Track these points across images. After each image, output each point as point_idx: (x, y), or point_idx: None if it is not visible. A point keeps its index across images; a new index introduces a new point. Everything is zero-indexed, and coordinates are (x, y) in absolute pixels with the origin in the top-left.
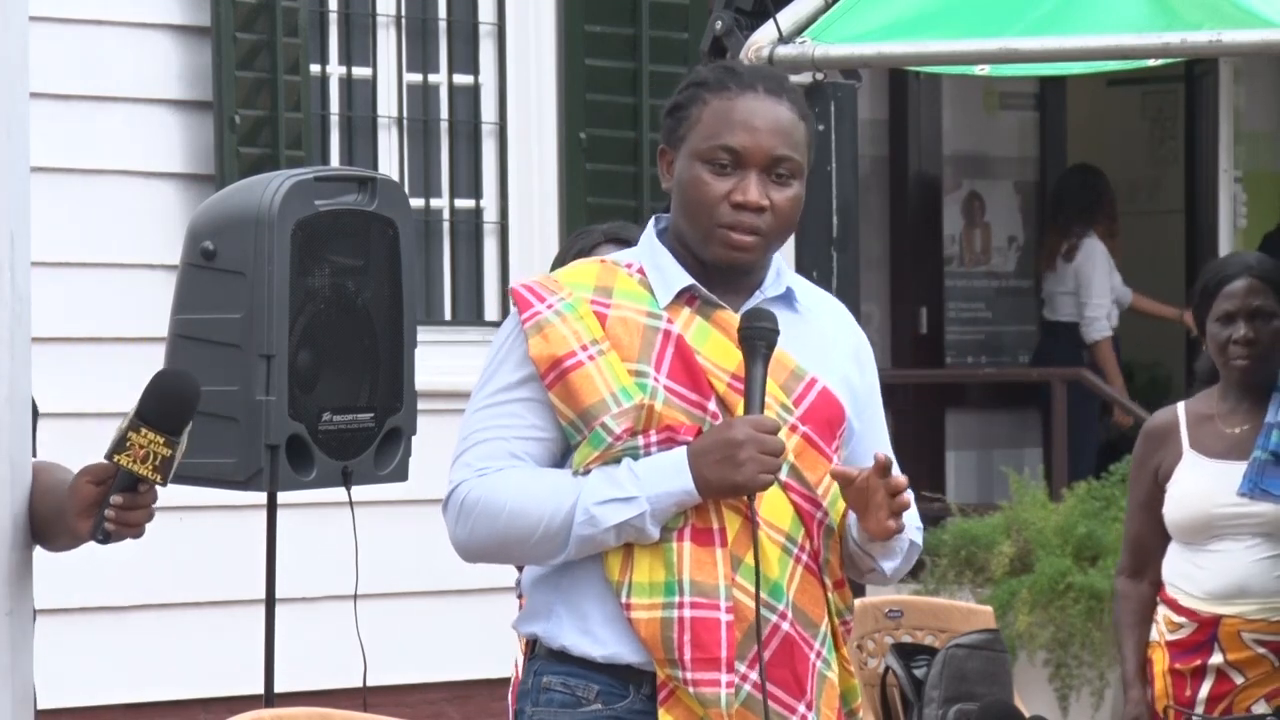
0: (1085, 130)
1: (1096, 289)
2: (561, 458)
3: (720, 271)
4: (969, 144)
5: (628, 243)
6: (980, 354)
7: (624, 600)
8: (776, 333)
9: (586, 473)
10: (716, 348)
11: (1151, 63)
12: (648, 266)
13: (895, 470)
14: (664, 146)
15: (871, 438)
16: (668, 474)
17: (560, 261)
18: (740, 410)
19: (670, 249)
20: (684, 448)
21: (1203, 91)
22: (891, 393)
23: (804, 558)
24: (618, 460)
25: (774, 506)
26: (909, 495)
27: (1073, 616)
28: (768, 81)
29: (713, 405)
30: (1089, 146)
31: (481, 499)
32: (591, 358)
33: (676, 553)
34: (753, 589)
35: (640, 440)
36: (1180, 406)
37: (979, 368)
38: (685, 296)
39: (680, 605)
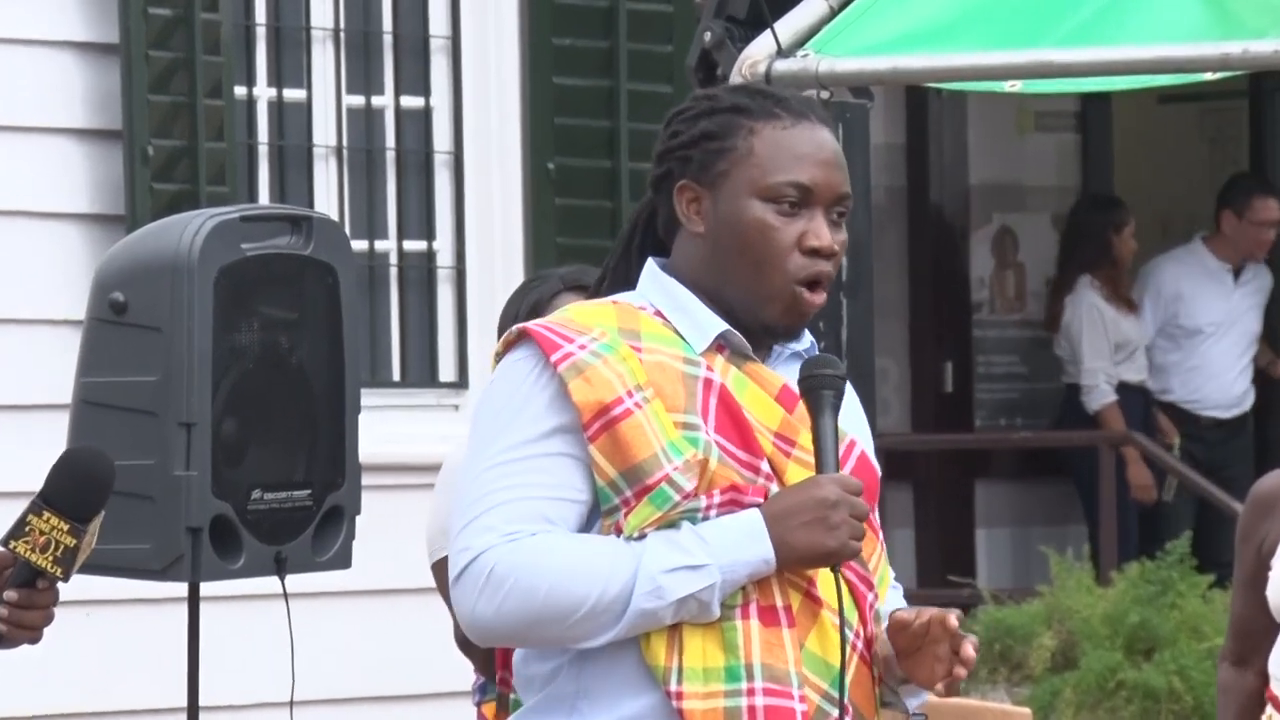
0: (1134, 154)
1: (1087, 349)
2: (587, 525)
3: (768, 328)
4: (999, 172)
5: (591, 289)
6: (1014, 416)
7: (673, 688)
8: (844, 380)
9: (641, 537)
10: (756, 402)
11: (1209, 76)
12: (667, 309)
13: (954, 621)
14: (688, 183)
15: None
16: (742, 539)
17: (512, 317)
18: (791, 473)
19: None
20: (754, 510)
21: (1271, 109)
22: (912, 460)
23: (859, 645)
24: (675, 524)
25: (829, 586)
26: (973, 650)
27: (1125, 719)
28: (815, 108)
29: (765, 467)
30: (1138, 173)
31: (517, 569)
32: (639, 405)
33: (743, 633)
34: (815, 680)
35: (702, 501)
36: None
37: (1012, 431)
38: (715, 344)
39: (750, 693)
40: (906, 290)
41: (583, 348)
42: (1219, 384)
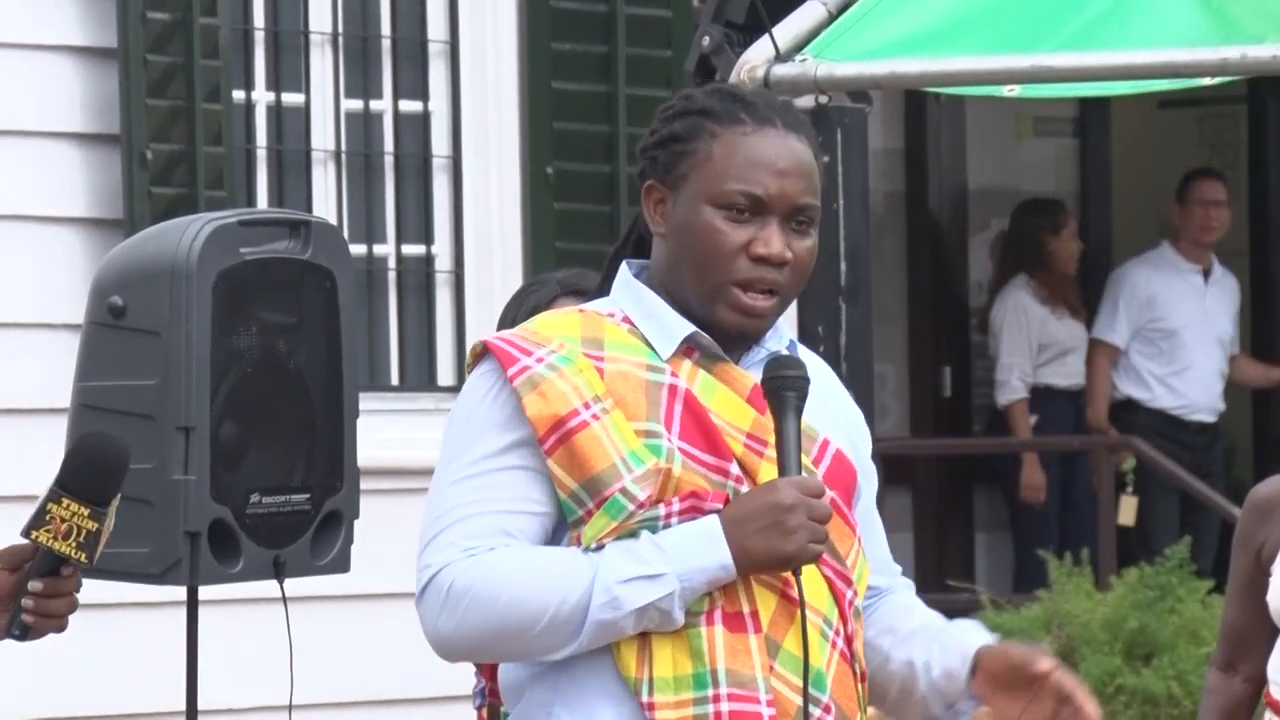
0: (1133, 159)
1: (1006, 345)
2: (555, 537)
3: (718, 330)
4: (998, 176)
5: (589, 294)
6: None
7: (645, 699)
8: (808, 381)
9: (599, 548)
10: (726, 404)
11: (1207, 81)
12: (636, 315)
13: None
14: (654, 183)
15: (871, 527)
16: (699, 546)
17: (511, 321)
18: (764, 473)
19: (660, 296)
20: (714, 516)
21: (1270, 114)
22: (911, 465)
23: (840, 643)
24: (634, 534)
25: (810, 584)
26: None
27: None
28: (785, 114)
29: (735, 469)
30: (1137, 178)
31: (475, 583)
32: (596, 417)
33: (707, 639)
34: (794, 679)
35: (661, 510)
36: None
37: (1011, 436)
38: (684, 348)
39: (716, 699)
40: (905, 295)
41: (540, 360)
42: (1204, 386)
